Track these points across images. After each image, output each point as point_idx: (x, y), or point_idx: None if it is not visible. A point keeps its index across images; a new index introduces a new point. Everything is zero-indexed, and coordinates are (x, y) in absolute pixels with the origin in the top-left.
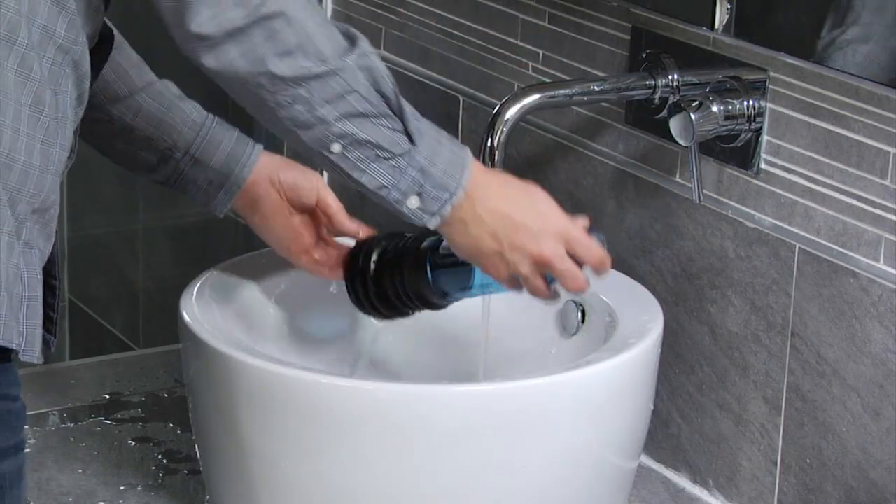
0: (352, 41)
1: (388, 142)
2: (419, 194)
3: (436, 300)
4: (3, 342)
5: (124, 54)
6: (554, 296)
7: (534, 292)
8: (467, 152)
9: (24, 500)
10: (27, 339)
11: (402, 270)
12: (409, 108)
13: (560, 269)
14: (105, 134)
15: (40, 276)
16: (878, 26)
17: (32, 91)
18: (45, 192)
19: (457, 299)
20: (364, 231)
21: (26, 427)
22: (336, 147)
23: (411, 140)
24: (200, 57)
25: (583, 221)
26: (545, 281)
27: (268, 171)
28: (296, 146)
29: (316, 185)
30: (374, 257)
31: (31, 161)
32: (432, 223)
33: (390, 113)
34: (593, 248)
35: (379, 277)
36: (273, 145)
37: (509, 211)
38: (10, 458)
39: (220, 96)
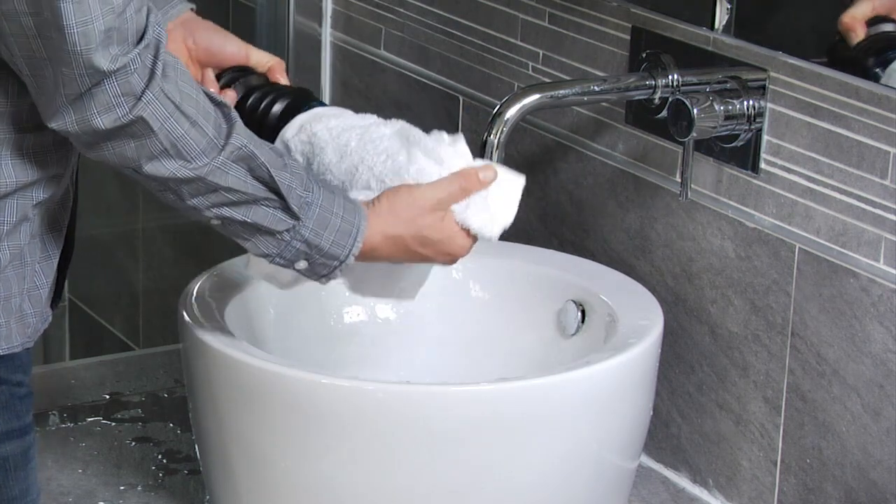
0: (227, 136)
1: (267, 221)
2: (307, 261)
3: None
4: (8, 350)
5: None
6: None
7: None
8: (360, 216)
9: (35, 484)
10: (32, 329)
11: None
12: (292, 180)
13: None
14: None
15: (53, 262)
16: None
17: None
18: (39, 187)
19: None
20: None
21: None
22: (215, 221)
23: (295, 216)
24: (70, 137)
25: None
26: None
27: (185, 29)
28: None
29: (241, 50)
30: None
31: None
32: (323, 282)
33: (269, 195)
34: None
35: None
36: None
37: (399, 255)
38: (13, 441)
39: None
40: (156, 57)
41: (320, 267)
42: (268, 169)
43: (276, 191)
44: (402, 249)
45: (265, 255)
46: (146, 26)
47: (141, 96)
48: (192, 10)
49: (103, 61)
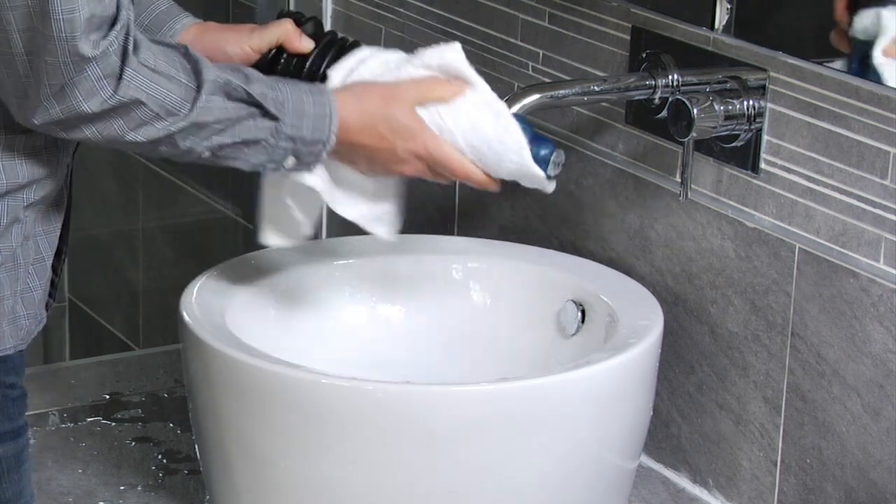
0: (197, 74)
1: (252, 133)
2: (294, 155)
3: None
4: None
5: None
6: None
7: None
8: (329, 97)
9: (29, 486)
10: (25, 332)
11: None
12: (262, 87)
13: (435, 177)
14: None
15: (46, 263)
16: None
17: None
18: (36, 185)
19: None
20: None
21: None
22: (206, 154)
23: (274, 118)
24: (50, 132)
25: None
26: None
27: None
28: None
29: (243, 47)
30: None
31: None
32: (311, 169)
33: (249, 110)
34: (457, 169)
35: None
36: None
37: (370, 143)
38: (7, 443)
39: None
40: (127, 34)
41: (307, 156)
42: (243, 88)
43: (253, 103)
44: (374, 134)
45: (257, 166)
46: (118, 8)
47: (121, 75)
48: (196, 24)
49: (87, 48)
